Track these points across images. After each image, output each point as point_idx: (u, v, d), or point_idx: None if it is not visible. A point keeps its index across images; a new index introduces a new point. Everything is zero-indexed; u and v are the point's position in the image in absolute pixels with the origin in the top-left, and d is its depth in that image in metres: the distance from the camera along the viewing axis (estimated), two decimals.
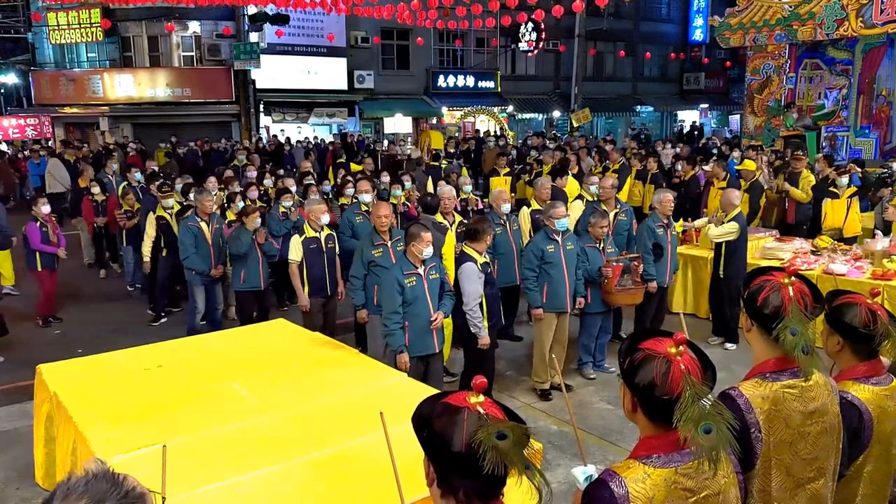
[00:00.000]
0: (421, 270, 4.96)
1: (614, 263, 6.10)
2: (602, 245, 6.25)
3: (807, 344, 2.04)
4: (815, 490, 2.11)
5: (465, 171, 13.82)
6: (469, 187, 8.66)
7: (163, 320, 8.30)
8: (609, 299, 6.24)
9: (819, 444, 2.11)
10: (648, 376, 1.71)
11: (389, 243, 5.82)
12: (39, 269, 7.93)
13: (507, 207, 6.99)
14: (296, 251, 6.29)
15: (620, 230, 7.21)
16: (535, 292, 5.87)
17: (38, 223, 7.87)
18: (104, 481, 1.27)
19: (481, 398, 1.57)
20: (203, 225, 7.13)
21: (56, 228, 8.03)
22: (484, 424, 1.49)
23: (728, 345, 7.03)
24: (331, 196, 9.15)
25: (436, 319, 5.02)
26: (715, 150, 16.35)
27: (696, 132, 27.67)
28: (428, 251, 4.95)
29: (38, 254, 7.84)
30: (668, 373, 1.69)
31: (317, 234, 6.39)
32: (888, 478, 2.43)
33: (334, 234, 6.70)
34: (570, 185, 9.75)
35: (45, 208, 8.00)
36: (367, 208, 7.19)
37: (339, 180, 10.11)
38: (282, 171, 12.21)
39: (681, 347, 1.74)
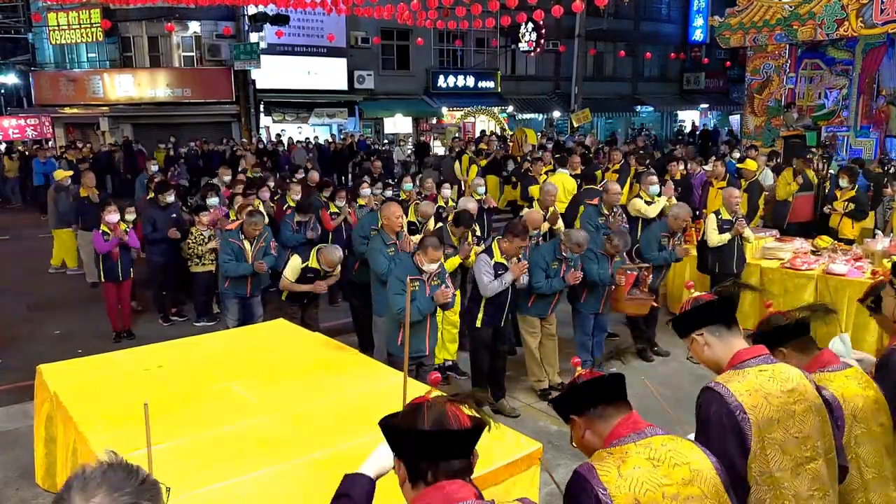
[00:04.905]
0: (424, 277, 5.03)
1: (628, 272, 6.10)
2: (613, 260, 6.28)
3: None
4: (815, 470, 2.15)
5: (473, 168, 13.75)
6: (482, 188, 8.67)
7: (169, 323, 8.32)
8: (617, 307, 6.27)
9: (807, 423, 2.16)
10: (575, 392, 2.01)
11: (398, 242, 5.85)
12: (102, 281, 7.59)
13: (535, 232, 6.77)
14: (292, 272, 6.20)
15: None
16: (547, 284, 5.90)
17: (102, 231, 7.43)
18: (120, 471, 1.30)
19: (439, 392, 1.76)
20: (245, 244, 6.69)
21: (121, 236, 7.46)
22: (438, 401, 1.70)
23: None
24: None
25: (446, 294, 5.04)
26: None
27: (696, 132, 27.69)
28: (429, 267, 4.99)
29: (100, 265, 7.50)
30: (578, 377, 2.02)
31: (318, 268, 6.24)
32: (882, 457, 2.47)
33: None
34: (564, 180, 9.75)
35: (111, 217, 7.46)
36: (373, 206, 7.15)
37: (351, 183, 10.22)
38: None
39: (580, 368, 2.06)
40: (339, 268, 6.48)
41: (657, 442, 1.88)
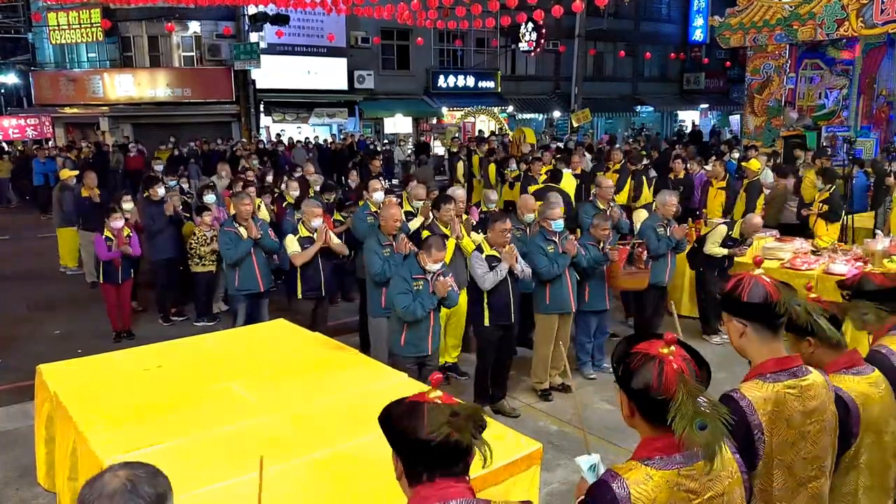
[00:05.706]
0: (428, 277, 5.03)
1: (620, 247, 6.10)
2: (602, 245, 6.25)
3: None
4: (815, 489, 2.13)
5: (491, 168, 13.66)
6: (494, 196, 8.45)
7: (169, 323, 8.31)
8: (614, 284, 6.22)
9: (819, 444, 2.12)
10: (643, 379, 1.73)
11: (395, 243, 5.83)
12: (101, 282, 7.58)
13: (530, 217, 6.71)
14: (293, 244, 6.25)
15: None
16: (551, 264, 5.84)
17: (105, 237, 7.40)
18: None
19: (439, 392, 1.75)
20: (242, 231, 6.72)
21: (122, 242, 7.44)
22: (439, 408, 1.69)
23: None
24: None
25: (444, 283, 5.00)
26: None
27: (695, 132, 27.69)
28: (433, 267, 5.00)
29: (101, 266, 7.49)
30: (662, 373, 1.70)
31: (311, 235, 6.32)
32: (887, 468, 2.44)
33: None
34: (566, 180, 9.73)
35: (116, 223, 7.41)
36: (377, 209, 7.13)
37: (350, 184, 10.20)
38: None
39: (672, 347, 1.75)
40: (334, 238, 6.51)
41: (700, 469, 1.74)
